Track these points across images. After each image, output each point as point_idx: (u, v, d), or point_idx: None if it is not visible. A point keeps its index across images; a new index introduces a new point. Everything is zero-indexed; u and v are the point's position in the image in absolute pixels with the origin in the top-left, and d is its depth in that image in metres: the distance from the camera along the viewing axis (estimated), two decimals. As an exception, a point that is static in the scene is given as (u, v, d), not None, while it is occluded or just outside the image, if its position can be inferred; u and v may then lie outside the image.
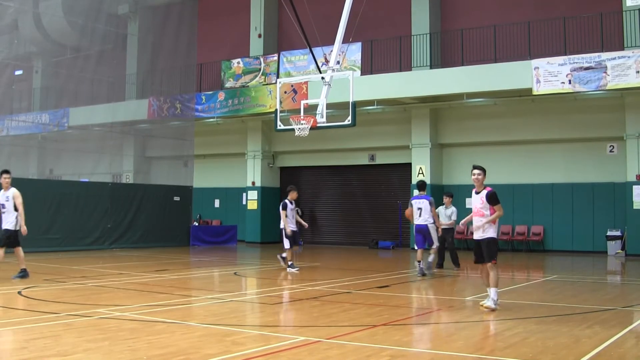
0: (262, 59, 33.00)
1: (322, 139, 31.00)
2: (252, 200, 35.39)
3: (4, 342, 9.38)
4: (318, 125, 21.17)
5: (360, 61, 29.37)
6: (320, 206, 35.60)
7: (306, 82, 28.24)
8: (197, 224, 34.80)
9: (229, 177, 37.34)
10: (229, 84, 33.41)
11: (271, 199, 35.31)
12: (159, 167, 37.81)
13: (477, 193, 12.76)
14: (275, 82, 27.49)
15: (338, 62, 22.47)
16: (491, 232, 12.45)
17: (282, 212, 20.08)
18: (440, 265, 20.50)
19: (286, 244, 19.67)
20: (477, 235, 12.64)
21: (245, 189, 35.88)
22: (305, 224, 22.02)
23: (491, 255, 12.39)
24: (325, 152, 34.03)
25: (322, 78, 21.57)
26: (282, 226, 20.02)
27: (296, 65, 31.24)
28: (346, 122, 21.09)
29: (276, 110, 22.81)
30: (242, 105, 32.38)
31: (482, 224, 12.43)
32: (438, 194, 30.72)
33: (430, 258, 19.58)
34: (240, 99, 32.39)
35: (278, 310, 12.83)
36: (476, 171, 12.82)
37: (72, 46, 37.32)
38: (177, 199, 32.31)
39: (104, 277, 17.81)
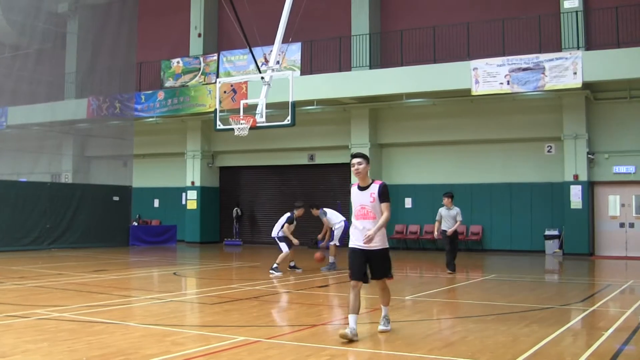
0: (201, 59, 32.89)
1: (261, 139, 31.00)
2: (191, 200, 35.26)
3: (-61, 344, 9.25)
4: (257, 125, 21.21)
5: (300, 61, 29.44)
6: (260, 206, 35.60)
7: (246, 82, 28.26)
8: (136, 224, 34.55)
9: (169, 176, 37.15)
10: (169, 83, 33.24)
11: (211, 198, 35.27)
12: (99, 167, 37.44)
13: (361, 189, 9.86)
14: (215, 82, 27.43)
15: (278, 62, 22.53)
16: (385, 241, 9.98)
17: (287, 226, 19.92)
18: (453, 269, 19.30)
19: (285, 247, 19.76)
20: (364, 245, 9.69)
21: (184, 189, 35.73)
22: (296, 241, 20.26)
23: (389, 269, 10.15)
24: (265, 152, 34.05)
25: (262, 78, 21.61)
26: (278, 235, 19.97)
27: (236, 65, 31.20)
28: (286, 122, 21.16)
29: (216, 110, 22.78)
30: (182, 104, 32.24)
31: (377, 229, 9.61)
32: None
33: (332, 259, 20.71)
34: (179, 99, 32.25)
35: (218, 310, 12.82)
36: (356, 160, 9.88)
37: (10, 44, 36.72)
38: (116, 198, 32.07)
39: (42, 277, 17.62)
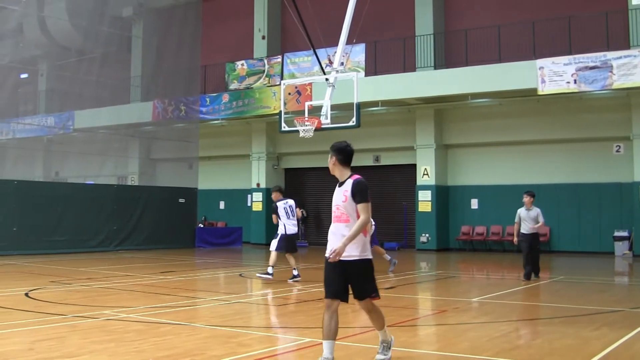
0: (266, 61, 33.00)
1: (326, 140, 30.65)
2: (257, 202, 35.39)
3: (10, 343, 9.38)
4: (322, 126, 21.19)
5: (364, 62, 29.33)
6: (326, 207, 35.51)
7: (310, 84, 28.22)
8: (202, 226, 34.81)
9: (234, 178, 37.34)
10: (233, 85, 33.41)
11: (276, 200, 35.35)
12: (164, 169, 37.85)
13: (339, 185, 8.24)
14: (279, 84, 27.48)
15: (342, 64, 22.47)
16: (366, 250, 8.01)
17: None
18: (535, 273, 18.07)
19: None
20: (345, 254, 7.87)
21: (250, 191, 35.88)
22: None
23: (372, 286, 8.07)
24: (329, 153, 33.92)
25: (326, 79, 21.60)
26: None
27: (300, 66, 31.23)
28: (350, 123, 21.13)
29: (280, 111, 22.84)
30: (247, 107, 32.38)
31: (345, 241, 7.77)
32: (443, 195, 30.77)
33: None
34: (244, 101, 32.39)
35: (283, 312, 12.82)
36: (329, 154, 8.45)
37: (76, 49, 37.37)
38: (182, 200, 32.32)
39: (109, 279, 17.82)
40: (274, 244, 17.96)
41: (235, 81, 33.44)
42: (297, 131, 21.51)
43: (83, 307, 12.45)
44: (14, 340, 9.61)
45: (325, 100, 21.24)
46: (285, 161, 36.36)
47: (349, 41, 22.04)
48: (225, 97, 33.06)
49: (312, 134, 21.40)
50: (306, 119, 21.55)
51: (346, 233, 7.83)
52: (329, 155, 8.42)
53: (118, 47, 37.62)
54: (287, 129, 22.24)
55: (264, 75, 32.61)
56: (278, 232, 18.07)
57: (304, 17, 22.08)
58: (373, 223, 20.35)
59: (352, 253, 7.88)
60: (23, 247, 25.99)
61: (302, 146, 32.52)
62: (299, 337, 9.73)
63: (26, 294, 14.25)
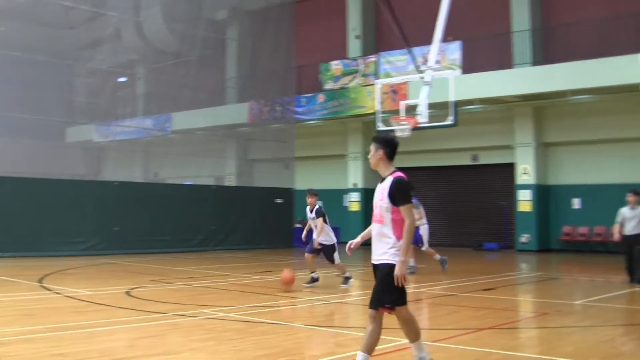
0: (360, 60, 32.95)
1: (423, 140, 30.64)
2: (354, 202, 35.36)
3: (112, 340, 9.59)
4: (419, 125, 21.03)
5: (460, 60, 28.99)
6: (424, 207, 35.20)
7: (406, 83, 28.03)
8: (299, 226, 34.96)
9: (330, 178, 37.34)
10: (328, 85, 33.46)
11: (370, 200, 35.22)
12: (261, 170, 38.17)
13: (381, 181, 7.48)
14: (375, 83, 27.39)
15: (437, 62, 22.28)
16: (397, 255, 7.14)
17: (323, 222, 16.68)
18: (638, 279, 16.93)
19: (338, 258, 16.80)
20: (374, 256, 7.40)
21: (346, 191, 35.86)
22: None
23: (389, 296, 7.27)
24: (427, 153, 33.63)
25: (422, 78, 21.43)
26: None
27: (395, 65, 31.07)
28: (447, 122, 20.93)
29: (376, 111, 22.74)
30: (342, 106, 32.38)
31: (404, 249, 7.15)
32: (543, 194, 30.17)
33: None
34: (339, 101, 32.41)
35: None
36: (372, 147, 7.57)
37: (172, 52, 38.08)
38: (279, 201, 32.50)
39: (208, 278, 18.01)
40: (336, 257, 16.62)
41: (330, 81, 33.49)
42: (394, 130, 21.37)
43: (183, 306, 12.60)
44: (115, 337, 9.81)
45: (421, 99, 21.08)
46: (381, 161, 36.16)
47: (444, 39, 21.81)
48: (321, 97, 33.14)
49: (408, 133, 21.25)
50: (402, 118, 21.42)
51: (382, 233, 7.21)
52: (373, 148, 7.50)
53: (213, 49, 38.14)
54: (383, 128, 22.14)
55: (359, 74, 32.55)
56: (325, 240, 16.57)
57: (398, 15, 21.95)
58: (425, 223, 19.93)
59: (380, 256, 7.25)
60: (124, 246, 26.52)
61: (399, 146, 32.26)
62: (398, 338, 9.61)
63: (127, 293, 14.51)
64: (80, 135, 42.63)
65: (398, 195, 7.11)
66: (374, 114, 24.69)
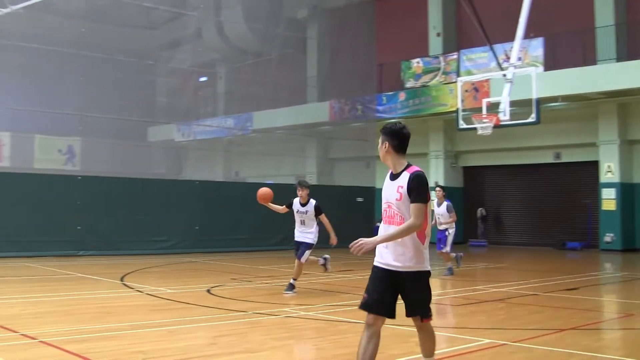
0: (441, 58, 32.75)
1: (505, 138, 30.34)
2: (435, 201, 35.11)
3: (193, 337, 9.70)
4: (501, 123, 20.83)
5: (542, 56, 28.58)
6: (505, 206, 34.90)
7: (487, 80, 27.74)
8: (379, 225, 34.92)
9: (411, 177, 37.15)
10: (409, 84, 33.34)
11: (455, 199, 34.95)
12: (341, 168, 38.19)
13: (393, 177, 6.76)
14: (456, 81, 27.19)
15: (519, 59, 22.04)
16: (424, 260, 6.54)
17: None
18: None
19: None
20: (390, 260, 6.59)
21: (427, 190, 35.63)
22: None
23: (426, 303, 6.68)
24: (509, 151, 33.25)
25: (504, 75, 21.22)
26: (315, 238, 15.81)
27: (476, 63, 30.79)
28: (530, 120, 20.68)
29: (458, 109, 22.59)
30: (423, 105, 32.22)
31: (382, 239, 6.55)
32: (628, 193, 29.56)
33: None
34: (421, 99, 32.25)
35: (463, 312, 12.63)
36: (380, 139, 7.01)
37: (253, 52, 38.37)
38: (360, 199, 32.46)
39: (288, 277, 18.09)
40: (306, 255, 15.48)
41: (411, 79, 33.36)
42: (476, 128, 21.21)
43: (263, 304, 12.69)
44: (196, 335, 9.91)
45: (503, 97, 20.89)
46: (463, 159, 35.92)
47: (526, 35, 21.55)
48: (402, 96, 33.03)
49: (490, 131, 21.08)
50: (484, 115, 21.25)
51: (402, 241, 6.43)
52: (380, 141, 6.85)
53: (294, 48, 38.32)
54: (465, 126, 22.02)
55: (440, 72, 32.36)
56: (307, 239, 15.78)
57: (479, 12, 21.76)
58: (454, 227, 19.29)
59: (405, 263, 6.45)
60: (204, 245, 26.81)
61: (480, 144, 31.98)
62: (479, 337, 9.55)
63: (208, 291, 14.68)
64: (162, 135, 43.23)
65: (414, 192, 6.38)
66: (455, 112, 24.52)
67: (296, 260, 15.20)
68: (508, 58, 22.41)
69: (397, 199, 6.45)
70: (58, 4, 32.38)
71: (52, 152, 36.04)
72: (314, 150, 39.17)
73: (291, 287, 14.71)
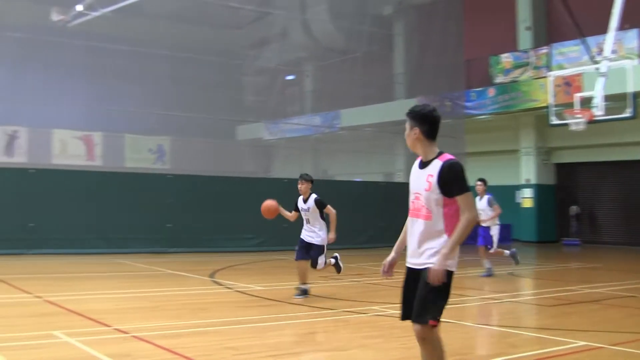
0: (531, 52, 32.13)
1: (599, 133, 29.49)
2: (527, 199, 34.54)
3: (282, 335, 9.75)
4: (595, 118, 20.29)
5: (638, 48, 27.72)
6: (599, 204, 34.01)
7: (580, 74, 27.03)
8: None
9: (502, 174, 36.54)
10: (499, 79, 32.81)
11: (547, 196, 34.28)
12: (432, 165, 37.82)
13: (422, 165, 5.98)
14: (547, 76, 26.61)
15: (614, 51, 21.44)
16: (448, 259, 5.69)
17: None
18: None
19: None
20: (413, 257, 5.91)
21: (518, 187, 35.07)
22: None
23: (437, 308, 5.88)
24: (604, 147, 32.33)
25: (597, 69, 20.66)
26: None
27: (568, 56, 30.08)
28: (625, 114, 20.08)
29: (549, 104, 22.09)
30: (513, 100, 31.65)
31: (452, 244, 5.66)
32: None
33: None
34: (511, 95, 31.69)
35: (555, 313, 12.27)
36: (407, 124, 6.08)
37: (339, 49, 38.30)
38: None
39: (377, 275, 17.95)
40: (322, 261, 13.72)
41: (500, 75, 32.84)
42: (568, 124, 20.71)
43: (353, 302, 12.65)
44: (285, 333, 9.96)
45: (596, 91, 20.33)
46: (555, 156, 35.13)
47: (621, 27, 20.93)
48: (491, 92, 32.53)
49: (584, 126, 20.54)
50: (577, 111, 20.73)
51: (430, 231, 5.71)
52: (407, 126, 6.01)
53: (380, 45, 38.14)
54: (557, 122, 21.51)
55: (530, 67, 31.75)
56: (315, 240, 13.87)
57: (570, 4, 21.24)
58: (498, 222, 18.54)
59: (427, 260, 5.69)
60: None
61: (573, 140, 31.20)
62: (573, 340, 9.22)
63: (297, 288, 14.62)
64: (251, 134, 43.51)
65: (452, 183, 5.63)
66: (547, 107, 23.99)
67: (297, 262, 13.65)
68: (601, 51, 21.85)
69: (425, 189, 5.70)
70: (146, 6, 32.88)
71: (143, 151, 36.59)
72: (402, 147, 38.81)
73: (303, 292, 13.36)
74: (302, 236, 14.01)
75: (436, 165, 5.73)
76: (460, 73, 34.29)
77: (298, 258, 13.65)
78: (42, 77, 31.69)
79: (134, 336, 9.17)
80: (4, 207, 22.19)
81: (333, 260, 14.10)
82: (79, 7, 30.79)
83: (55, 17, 30.73)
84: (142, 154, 36.53)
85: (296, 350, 8.62)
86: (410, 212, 5.87)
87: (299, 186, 14.15)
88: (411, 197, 5.86)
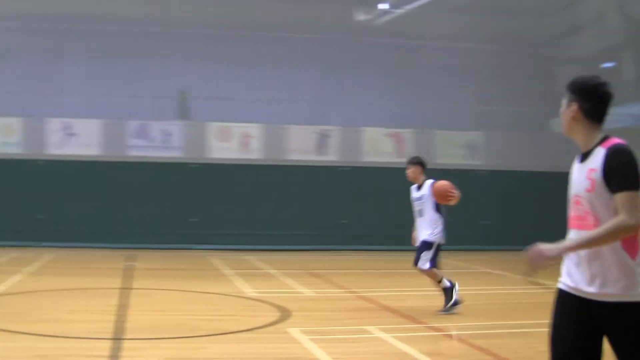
0: None
1: None
2: None
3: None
4: None
5: None
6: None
7: None
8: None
9: None
10: None
11: None
12: None
13: (583, 158, 4.21)
14: None
15: None
16: (638, 283, 3.91)
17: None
18: None
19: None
20: (582, 283, 4.09)
21: None
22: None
23: None
24: None
25: None
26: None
27: None
28: None
29: None
30: None
31: (586, 240, 3.93)
32: None
33: None
34: None
35: None
36: (565, 99, 4.38)
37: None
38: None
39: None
40: (425, 259, 11.03)
41: None
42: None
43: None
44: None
45: None
46: None
47: None
48: None
49: None
50: None
51: (599, 253, 3.97)
52: (564, 103, 4.34)
53: None
54: None
55: None
56: (426, 235, 11.21)
57: None
58: None
59: (606, 289, 3.94)
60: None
61: None
62: None
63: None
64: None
65: (616, 175, 3.94)
66: None
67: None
68: None
69: (587, 190, 4.04)
70: (450, 0, 32.82)
71: (455, 147, 36.59)
72: None
73: (454, 303, 10.83)
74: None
75: (599, 155, 4.07)
76: None
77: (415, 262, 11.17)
78: (350, 77, 32.47)
79: (447, 334, 9.27)
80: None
81: (448, 284, 10.96)
82: (384, 6, 31.48)
83: (362, 16, 31.55)
84: (453, 150, 36.40)
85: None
86: (572, 221, 4.20)
87: (408, 172, 11.33)
88: (571, 201, 4.21)
